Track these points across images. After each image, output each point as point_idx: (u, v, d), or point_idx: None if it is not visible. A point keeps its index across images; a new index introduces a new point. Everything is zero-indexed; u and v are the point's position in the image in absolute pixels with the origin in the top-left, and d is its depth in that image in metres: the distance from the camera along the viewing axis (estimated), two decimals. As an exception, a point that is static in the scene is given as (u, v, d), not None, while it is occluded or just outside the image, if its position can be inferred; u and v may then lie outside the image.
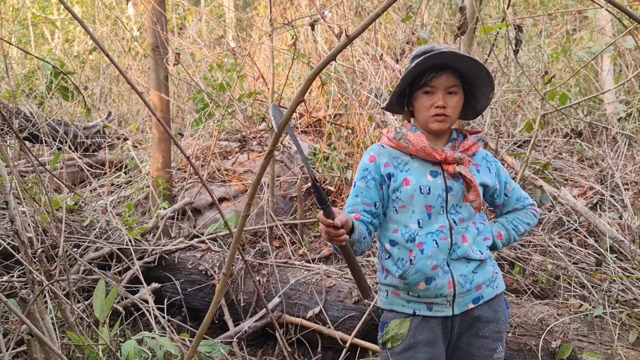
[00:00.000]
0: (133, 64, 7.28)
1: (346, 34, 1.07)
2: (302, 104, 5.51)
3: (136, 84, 4.20)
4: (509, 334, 2.73)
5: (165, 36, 4.09)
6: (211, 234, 3.84)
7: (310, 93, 5.69)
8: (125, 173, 5.15)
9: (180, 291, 3.39)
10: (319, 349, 3.09)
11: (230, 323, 3.21)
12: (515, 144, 4.82)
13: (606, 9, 3.05)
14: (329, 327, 3.03)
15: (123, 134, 5.88)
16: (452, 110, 1.75)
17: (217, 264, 3.43)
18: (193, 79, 4.98)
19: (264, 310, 3.19)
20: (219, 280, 3.34)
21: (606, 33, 5.75)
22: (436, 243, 1.72)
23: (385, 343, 1.81)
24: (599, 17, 5.99)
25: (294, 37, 3.76)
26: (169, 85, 4.41)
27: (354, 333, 2.94)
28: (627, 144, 4.73)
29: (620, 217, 3.72)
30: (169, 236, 3.94)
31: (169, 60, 4.27)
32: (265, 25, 5.57)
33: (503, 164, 3.09)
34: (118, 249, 3.42)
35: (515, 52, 3.09)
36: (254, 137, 5.02)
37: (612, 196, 3.94)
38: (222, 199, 4.30)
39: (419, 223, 1.73)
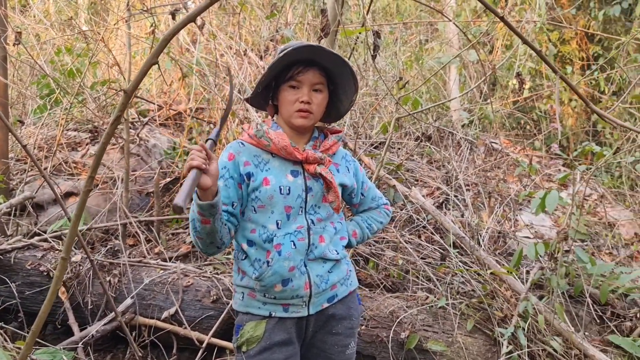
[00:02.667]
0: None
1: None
2: (163, 95, 5.28)
3: (-33, 63, 3.72)
4: (363, 327, 2.84)
5: (4, 12, 3.67)
6: (55, 231, 3.51)
7: (170, 85, 5.46)
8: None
9: (16, 295, 3.07)
10: (174, 351, 2.98)
11: (75, 327, 2.97)
12: (372, 145, 5.04)
13: (454, 23, 3.29)
14: (185, 328, 2.92)
15: (-50, 119, 5.17)
16: (316, 107, 1.74)
17: (62, 265, 3.15)
18: (37, 61, 4.53)
19: (114, 313, 2.99)
20: (62, 282, 3.07)
21: (454, 45, 6.26)
22: (294, 244, 1.70)
23: (240, 346, 1.75)
24: (447, 31, 6.50)
25: (153, 24, 3.57)
26: (8, 67, 3.96)
27: (211, 333, 2.88)
28: (469, 148, 5.18)
29: (462, 215, 4.05)
30: (4, 234, 3.54)
31: (7, 39, 3.84)
32: (122, 10, 5.24)
33: (361, 164, 3.21)
34: (-61, 249, 3.01)
35: (373, 56, 3.22)
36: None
37: (455, 196, 4.28)
38: (69, 194, 3.96)
39: (277, 224, 1.70)
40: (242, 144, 1.78)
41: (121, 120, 4.06)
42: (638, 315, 3.23)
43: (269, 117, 1.90)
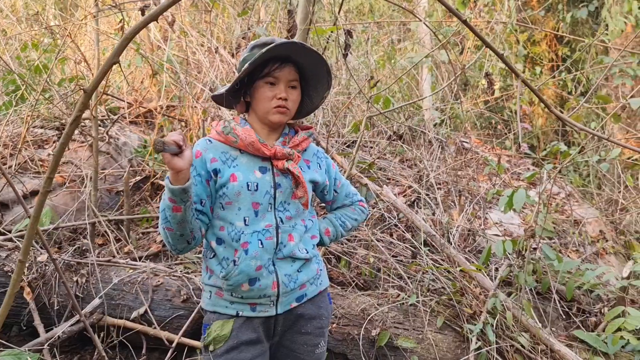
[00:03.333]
0: None
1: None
2: (133, 92, 5.20)
3: None
4: (334, 325, 2.84)
5: (-32, 5, 3.57)
6: (20, 231, 3.43)
7: (141, 82, 5.39)
8: None
9: (-21, 296, 2.99)
10: (143, 351, 2.94)
11: (41, 329, 2.90)
12: (344, 143, 5.05)
13: (424, 23, 3.32)
14: (155, 328, 2.89)
15: None
16: (292, 104, 1.75)
17: (27, 265, 3.08)
18: (1, 57, 4.42)
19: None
20: (27, 282, 3.00)
21: (426, 45, 6.31)
22: (261, 243, 1.68)
23: (207, 346, 1.73)
24: (420, 30, 6.56)
25: (122, 20, 3.51)
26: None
27: (181, 332, 2.85)
28: (440, 147, 5.23)
29: (433, 214, 4.09)
30: (-32, 234, 3.45)
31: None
32: (91, 5, 5.15)
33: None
34: None
35: (344, 55, 3.23)
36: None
37: (427, 194, 4.31)
38: (35, 192, 3.88)
39: (245, 221, 1.68)
40: (210, 141, 1.76)
41: (89, 118, 4.00)
42: (602, 311, 3.31)
43: (239, 114, 1.88)
